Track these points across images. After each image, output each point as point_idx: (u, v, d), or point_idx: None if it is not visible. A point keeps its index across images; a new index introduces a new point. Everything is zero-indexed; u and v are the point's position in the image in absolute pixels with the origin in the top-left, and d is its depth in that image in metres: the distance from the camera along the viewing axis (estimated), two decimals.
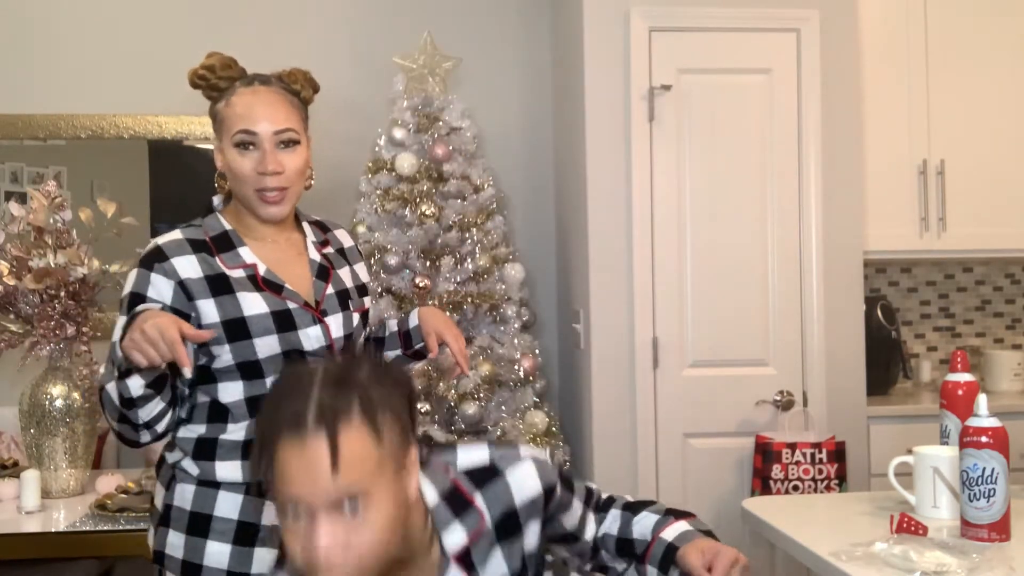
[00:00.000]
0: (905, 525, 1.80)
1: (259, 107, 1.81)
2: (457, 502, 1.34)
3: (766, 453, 3.09)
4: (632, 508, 1.57)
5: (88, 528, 2.41)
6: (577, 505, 1.51)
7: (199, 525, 1.76)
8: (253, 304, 1.77)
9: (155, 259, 1.77)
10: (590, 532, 1.55)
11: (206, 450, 1.78)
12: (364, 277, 2.00)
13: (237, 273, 1.79)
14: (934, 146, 3.54)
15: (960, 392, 2.07)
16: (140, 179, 3.70)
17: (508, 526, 1.36)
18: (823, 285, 3.28)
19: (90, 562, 2.47)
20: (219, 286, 1.77)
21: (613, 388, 3.20)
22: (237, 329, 1.75)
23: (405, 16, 3.78)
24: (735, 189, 3.27)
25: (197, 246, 1.80)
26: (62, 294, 2.65)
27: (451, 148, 3.37)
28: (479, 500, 1.35)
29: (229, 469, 1.77)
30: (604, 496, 1.60)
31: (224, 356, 1.75)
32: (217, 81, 1.84)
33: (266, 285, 1.80)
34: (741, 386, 3.25)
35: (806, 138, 3.28)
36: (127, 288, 1.78)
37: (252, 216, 1.86)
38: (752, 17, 3.26)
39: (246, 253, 1.83)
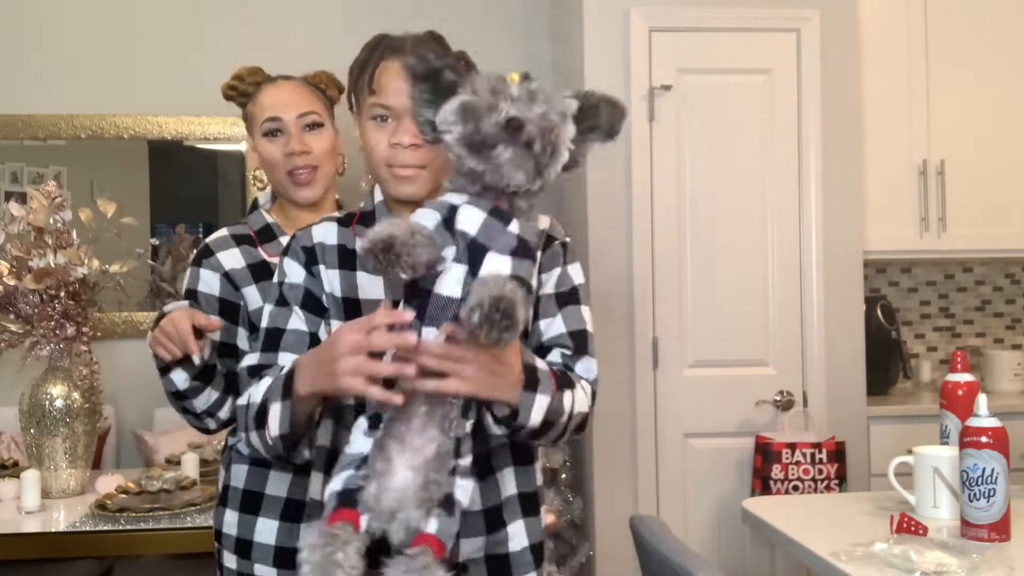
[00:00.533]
0: (905, 525, 1.80)
1: (283, 96, 1.95)
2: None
3: (766, 453, 3.09)
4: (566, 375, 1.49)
5: (88, 528, 2.41)
6: (550, 284, 1.54)
7: (252, 503, 1.81)
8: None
9: (203, 255, 1.90)
10: (543, 328, 1.53)
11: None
12: None
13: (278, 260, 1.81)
14: (934, 146, 3.54)
15: (960, 392, 2.07)
16: (140, 179, 3.71)
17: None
18: (823, 285, 3.28)
19: (90, 562, 2.47)
20: (261, 273, 1.86)
21: (613, 388, 3.20)
22: None
23: (405, 16, 3.78)
24: (735, 189, 3.27)
25: (240, 240, 1.91)
26: (62, 294, 2.65)
27: None
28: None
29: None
30: (571, 354, 1.53)
31: None
32: (247, 88, 1.98)
33: None
34: (741, 386, 3.25)
35: (806, 138, 3.28)
36: (184, 286, 1.91)
37: (292, 204, 1.94)
38: (752, 17, 3.26)
39: (281, 242, 1.89)
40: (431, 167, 1.55)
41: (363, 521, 1.31)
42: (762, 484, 3.08)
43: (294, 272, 1.55)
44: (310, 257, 1.56)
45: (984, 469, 1.79)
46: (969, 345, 4.00)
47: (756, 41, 3.28)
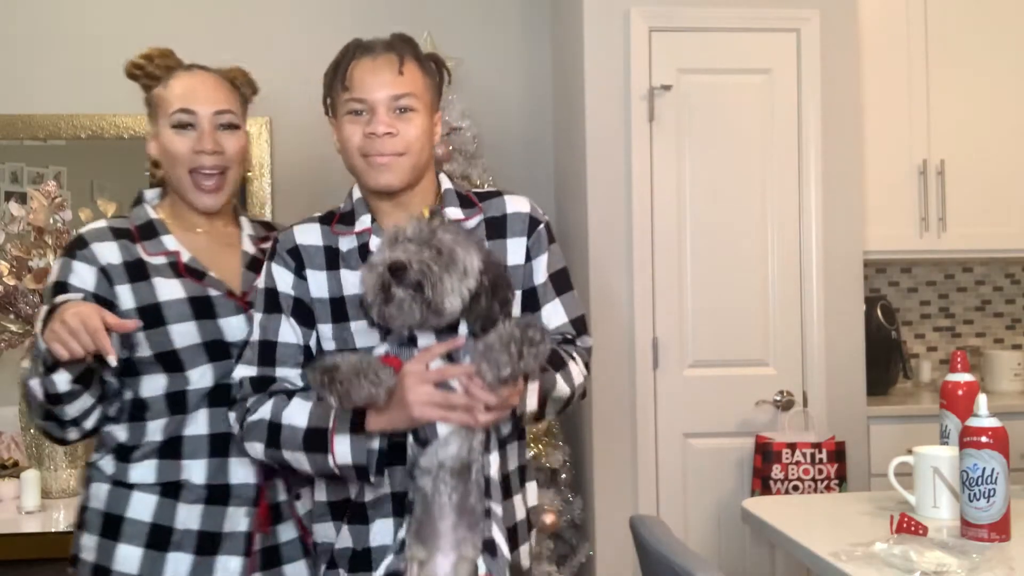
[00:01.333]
0: (905, 525, 1.80)
1: (200, 88, 1.78)
2: (464, 200, 1.72)
3: (766, 453, 3.09)
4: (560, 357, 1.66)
5: None
6: (542, 271, 1.70)
7: (111, 527, 1.70)
8: (169, 290, 1.71)
9: (76, 246, 1.74)
10: (546, 320, 1.69)
11: (124, 451, 1.73)
12: None
13: (157, 260, 1.74)
14: (934, 146, 3.54)
15: (960, 392, 2.07)
16: (140, 179, 3.69)
17: (496, 225, 1.69)
18: (823, 285, 3.27)
19: None
20: (136, 272, 1.72)
21: (613, 388, 3.20)
22: (152, 316, 1.68)
23: (405, 16, 3.78)
24: (735, 189, 3.27)
25: (120, 234, 1.76)
26: None
27: (451, 148, 3.37)
28: (478, 203, 1.72)
29: (143, 471, 1.71)
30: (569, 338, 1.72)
31: (142, 345, 1.69)
32: (154, 70, 1.80)
33: (188, 272, 1.74)
34: (741, 386, 3.25)
35: (806, 138, 3.28)
36: (51, 278, 1.73)
37: (186, 205, 1.80)
38: (752, 17, 3.26)
39: (169, 241, 1.77)
40: (410, 155, 1.63)
41: None
42: (762, 484, 3.08)
43: (283, 280, 1.64)
44: (297, 261, 1.63)
45: (984, 469, 1.79)
46: (969, 345, 4.00)
47: (756, 41, 3.28)
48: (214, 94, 1.79)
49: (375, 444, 1.54)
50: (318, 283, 1.62)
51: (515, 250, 1.69)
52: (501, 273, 1.52)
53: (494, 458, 1.55)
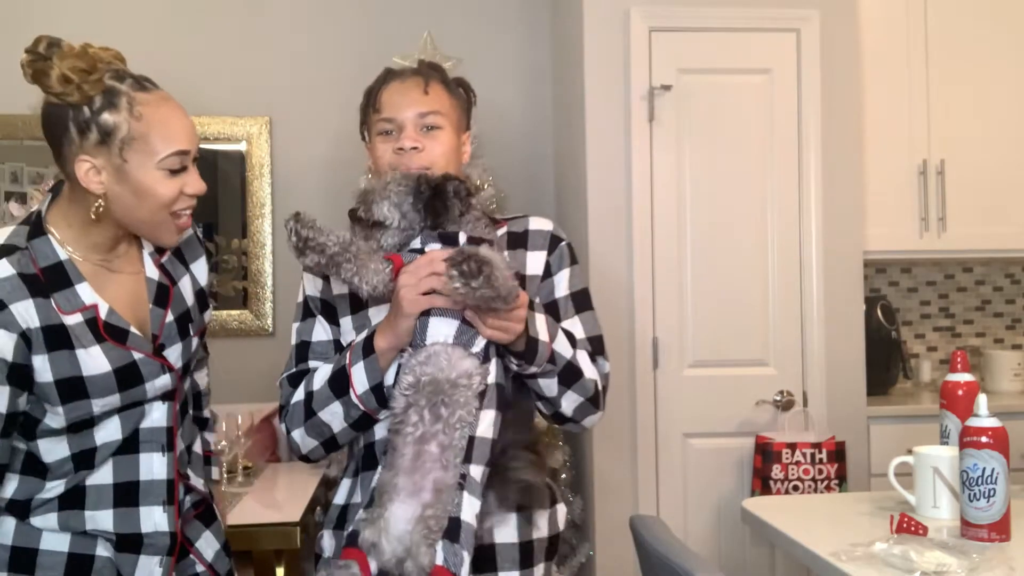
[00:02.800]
0: (905, 525, 1.80)
1: (189, 127, 1.55)
2: (489, 220, 1.72)
3: (766, 453, 3.09)
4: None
5: None
6: (563, 285, 1.76)
7: (22, 561, 1.55)
8: (93, 363, 1.51)
9: None
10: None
11: (18, 508, 1.56)
12: (203, 278, 1.74)
13: (75, 319, 1.51)
14: (934, 146, 3.54)
15: (960, 392, 2.07)
16: None
17: (517, 238, 1.76)
18: (823, 285, 3.28)
19: None
20: (55, 340, 1.49)
21: (613, 388, 3.17)
22: (73, 390, 1.50)
23: (405, 16, 3.78)
24: (735, 189, 3.27)
25: (31, 283, 1.49)
26: None
27: None
28: (503, 224, 1.78)
29: (44, 520, 1.56)
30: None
31: (55, 418, 1.52)
32: (89, 87, 1.48)
33: (108, 332, 1.53)
34: (741, 386, 3.25)
35: (806, 138, 3.28)
36: None
37: (98, 231, 1.56)
38: (752, 17, 3.26)
39: (85, 291, 1.53)
40: (435, 170, 1.70)
41: (372, 565, 1.44)
42: (762, 484, 3.08)
43: (312, 285, 1.76)
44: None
45: (984, 469, 1.79)
46: (969, 345, 4.00)
47: (756, 41, 3.28)
48: (194, 137, 1.57)
49: (389, 378, 1.58)
50: (336, 281, 1.70)
51: (534, 262, 1.75)
52: (443, 176, 1.60)
53: (486, 416, 1.51)
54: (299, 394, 1.66)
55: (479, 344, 1.52)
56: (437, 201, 1.56)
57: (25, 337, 1.47)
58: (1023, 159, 3.59)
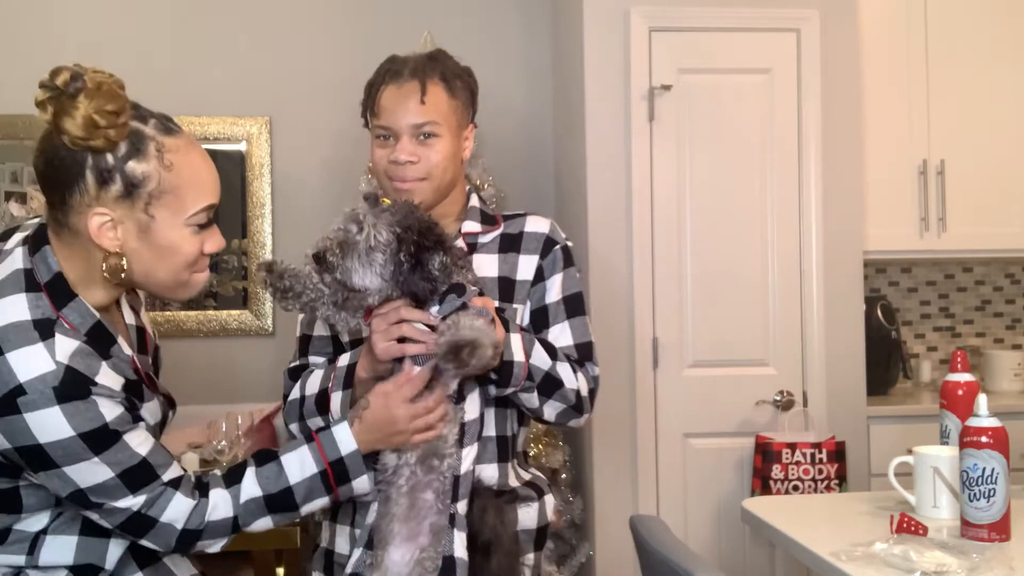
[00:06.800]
0: (905, 525, 1.80)
1: (214, 176, 1.45)
2: (486, 218, 1.81)
3: (766, 453, 3.09)
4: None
5: None
6: (555, 290, 1.76)
7: None
8: (151, 414, 1.46)
9: (81, 382, 1.30)
10: (555, 336, 1.76)
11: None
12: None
13: (130, 376, 1.41)
14: (934, 146, 3.54)
15: (960, 392, 2.07)
16: None
17: (511, 240, 1.78)
18: (823, 285, 3.27)
19: None
20: (136, 396, 1.41)
21: (613, 388, 3.20)
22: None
23: (405, 16, 3.78)
24: (735, 189, 3.27)
25: (94, 346, 1.35)
26: None
27: None
28: (501, 222, 1.81)
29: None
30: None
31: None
32: (118, 129, 1.31)
33: (149, 384, 1.47)
34: (741, 386, 3.25)
35: (806, 138, 3.28)
36: (80, 428, 1.30)
37: (104, 290, 1.40)
38: (752, 17, 3.26)
39: (124, 346, 1.42)
40: (431, 179, 1.73)
41: None
42: (762, 484, 3.08)
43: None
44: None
45: (984, 469, 1.79)
46: (969, 345, 4.00)
47: (756, 41, 3.28)
48: (218, 184, 1.46)
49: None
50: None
51: (525, 266, 1.77)
52: (426, 238, 1.51)
53: (468, 452, 1.61)
54: (295, 393, 1.73)
55: (452, 385, 1.57)
56: (420, 280, 1.51)
57: (124, 399, 1.36)
58: (1023, 159, 3.59)
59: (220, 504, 1.42)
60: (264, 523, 1.46)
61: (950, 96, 3.54)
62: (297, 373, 1.77)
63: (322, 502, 1.51)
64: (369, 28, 3.78)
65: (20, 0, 3.66)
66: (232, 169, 3.74)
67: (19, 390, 1.26)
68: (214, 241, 1.43)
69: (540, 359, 1.66)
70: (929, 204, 3.54)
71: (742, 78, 3.28)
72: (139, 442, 1.36)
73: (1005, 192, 3.58)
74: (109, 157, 1.30)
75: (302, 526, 2.51)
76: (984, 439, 1.80)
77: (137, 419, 1.39)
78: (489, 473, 1.70)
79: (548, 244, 1.78)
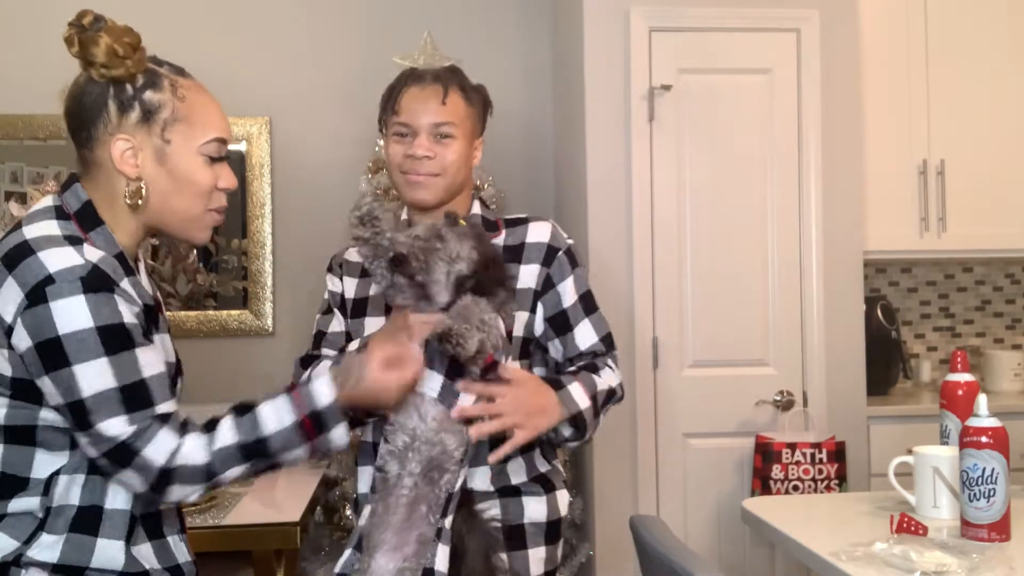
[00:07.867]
0: (905, 525, 1.80)
1: (224, 117, 1.60)
2: (488, 225, 1.86)
3: (766, 453, 3.09)
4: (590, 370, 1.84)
5: None
6: (570, 293, 1.85)
7: None
8: (167, 350, 1.52)
9: (106, 279, 1.37)
10: (579, 340, 1.86)
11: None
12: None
13: (149, 300, 1.48)
14: (934, 146, 3.54)
15: (960, 392, 2.07)
16: None
17: (512, 251, 1.83)
18: (823, 285, 3.27)
19: None
20: (152, 321, 1.46)
21: None
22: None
23: (405, 16, 3.78)
24: (735, 189, 3.27)
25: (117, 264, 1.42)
26: None
27: None
28: (504, 230, 1.87)
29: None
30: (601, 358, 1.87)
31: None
32: (133, 65, 1.48)
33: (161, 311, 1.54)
34: (741, 386, 3.25)
35: (806, 138, 3.28)
36: (99, 321, 1.35)
37: (128, 224, 1.48)
38: (752, 17, 3.26)
39: (144, 280, 1.51)
40: (444, 177, 1.82)
41: None
42: (762, 484, 3.08)
43: (333, 283, 1.93)
44: (341, 270, 1.94)
45: (984, 469, 1.79)
46: (969, 345, 4.00)
47: (756, 41, 3.28)
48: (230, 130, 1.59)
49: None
50: (350, 286, 1.89)
51: (526, 276, 1.83)
52: (494, 263, 1.63)
53: (467, 471, 1.67)
54: (304, 377, 1.80)
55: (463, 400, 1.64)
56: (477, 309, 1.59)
57: (140, 315, 1.41)
58: (1023, 159, 3.59)
59: (196, 449, 1.42)
60: (238, 471, 1.46)
61: (950, 96, 3.54)
62: (308, 361, 1.86)
63: (298, 452, 1.47)
64: (369, 28, 3.78)
65: (20, 1, 3.66)
66: (232, 169, 3.74)
67: (48, 279, 1.34)
68: (227, 177, 1.58)
69: (593, 385, 1.78)
70: (929, 204, 3.54)
71: (742, 78, 3.28)
72: (146, 362, 1.40)
73: (1005, 192, 3.58)
74: (128, 88, 1.47)
75: (302, 527, 2.51)
76: (984, 439, 1.80)
77: (150, 340, 1.44)
78: (480, 478, 1.74)
79: (550, 252, 1.85)
